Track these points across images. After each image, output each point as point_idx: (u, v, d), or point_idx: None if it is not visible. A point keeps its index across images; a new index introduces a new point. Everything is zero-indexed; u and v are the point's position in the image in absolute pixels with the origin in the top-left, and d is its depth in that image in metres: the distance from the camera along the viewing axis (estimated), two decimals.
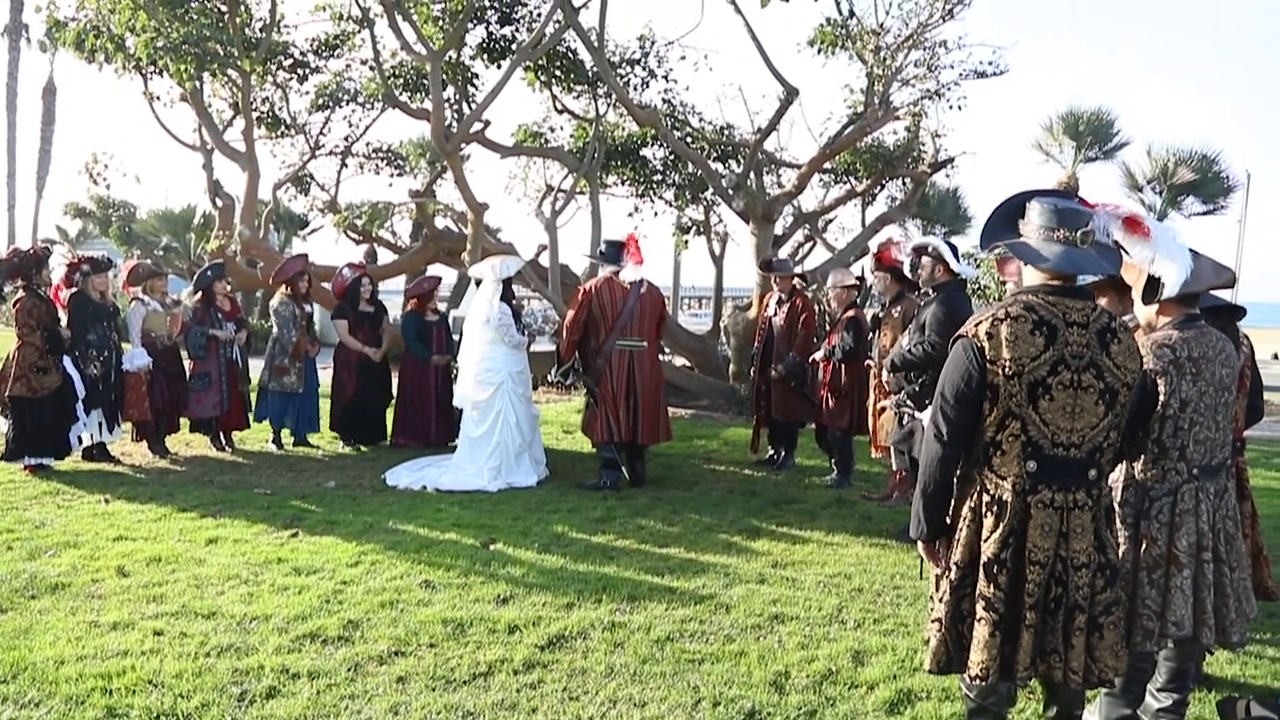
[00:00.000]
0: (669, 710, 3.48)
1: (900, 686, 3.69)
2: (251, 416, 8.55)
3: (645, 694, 3.61)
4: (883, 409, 6.48)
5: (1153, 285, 3.12)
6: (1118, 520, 3.11)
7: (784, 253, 12.65)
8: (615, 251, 7.21)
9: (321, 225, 19.80)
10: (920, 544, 2.91)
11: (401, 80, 12.15)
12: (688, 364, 13.19)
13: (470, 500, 6.66)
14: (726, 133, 13.02)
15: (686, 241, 16.11)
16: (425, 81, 11.48)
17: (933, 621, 2.83)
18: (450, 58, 11.18)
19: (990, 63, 11.68)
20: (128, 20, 9.61)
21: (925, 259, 5.60)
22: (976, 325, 2.71)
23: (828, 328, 8.84)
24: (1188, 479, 3.14)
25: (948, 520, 2.86)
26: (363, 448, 8.56)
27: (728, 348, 12.72)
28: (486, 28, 11.53)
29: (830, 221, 15.28)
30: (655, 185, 13.75)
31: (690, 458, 8.60)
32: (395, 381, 8.96)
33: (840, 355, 7.17)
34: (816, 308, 9.97)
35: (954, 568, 2.78)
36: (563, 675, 3.75)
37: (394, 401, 8.86)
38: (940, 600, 2.81)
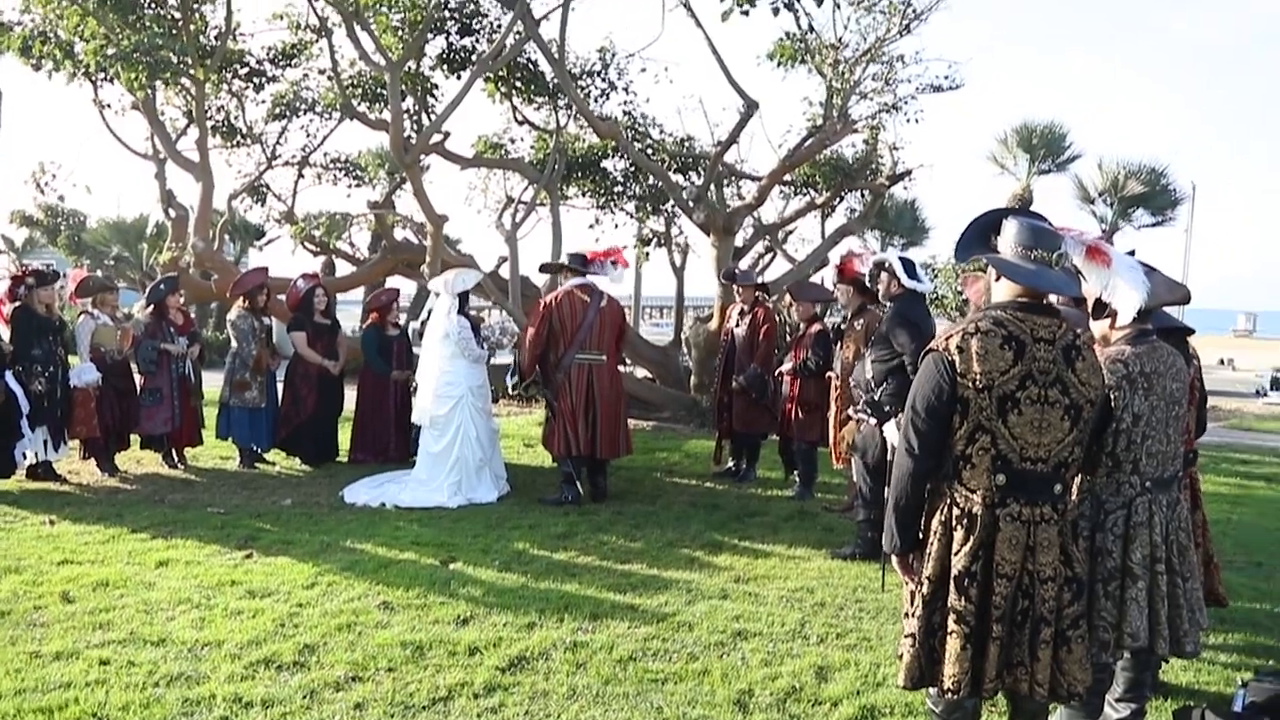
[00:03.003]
0: None
1: (864, 702, 3.69)
2: (213, 434, 8.30)
3: (608, 715, 3.57)
4: (845, 420, 6.52)
5: (1101, 303, 3.23)
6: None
7: (744, 264, 12.70)
8: (584, 263, 7.18)
9: (278, 236, 19.52)
10: (894, 558, 2.92)
11: (360, 90, 12.01)
12: (649, 375, 13.18)
13: (430, 517, 6.57)
14: (687, 145, 13.06)
15: (648, 253, 16.13)
16: (384, 92, 11.35)
17: (906, 636, 2.84)
18: (409, 68, 11.08)
19: (946, 77, 11.89)
20: (76, 26, 9.39)
21: (883, 273, 5.71)
22: (947, 339, 2.75)
23: (789, 339, 8.88)
24: (1141, 492, 3.19)
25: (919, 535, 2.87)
26: (309, 467, 8.28)
27: (689, 359, 12.72)
28: (446, 38, 11.46)
29: (790, 233, 15.41)
30: (616, 197, 13.75)
31: (652, 471, 8.57)
32: (348, 397, 8.78)
33: (811, 370, 7.20)
34: (778, 319, 10.01)
35: (925, 582, 2.79)
36: (524, 698, 3.69)
37: (352, 417, 8.70)
38: (914, 615, 2.82)
